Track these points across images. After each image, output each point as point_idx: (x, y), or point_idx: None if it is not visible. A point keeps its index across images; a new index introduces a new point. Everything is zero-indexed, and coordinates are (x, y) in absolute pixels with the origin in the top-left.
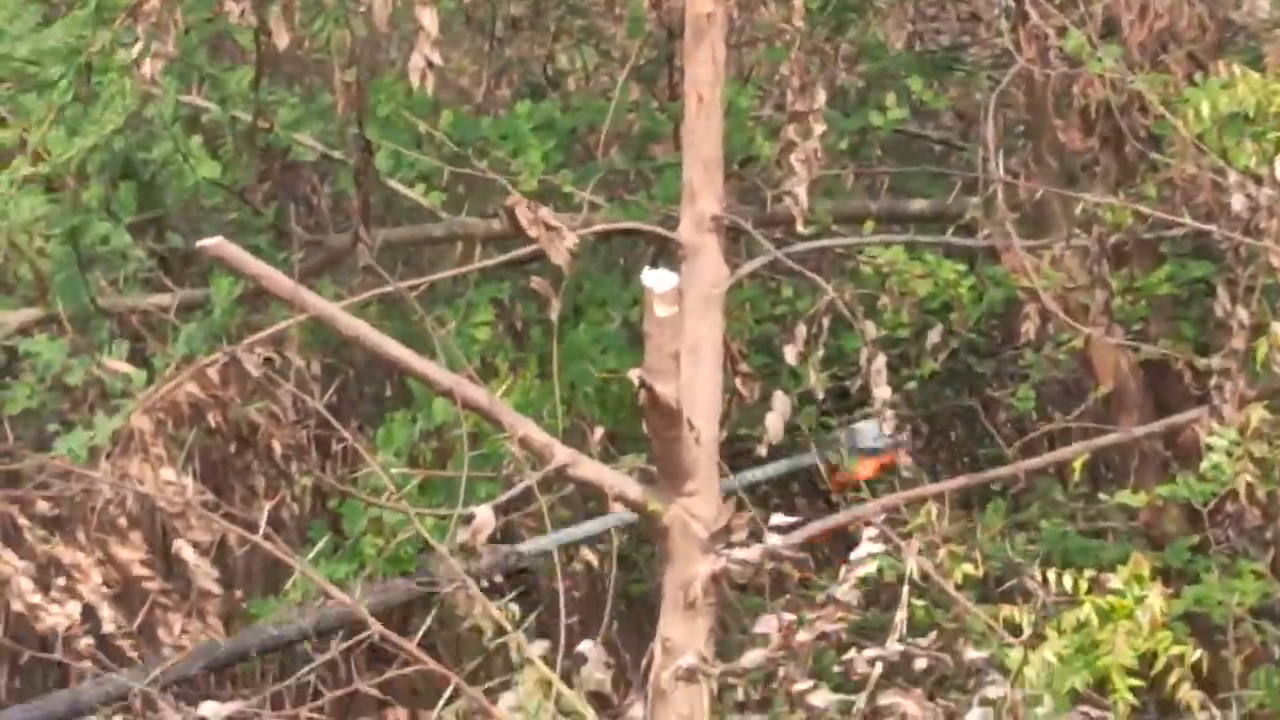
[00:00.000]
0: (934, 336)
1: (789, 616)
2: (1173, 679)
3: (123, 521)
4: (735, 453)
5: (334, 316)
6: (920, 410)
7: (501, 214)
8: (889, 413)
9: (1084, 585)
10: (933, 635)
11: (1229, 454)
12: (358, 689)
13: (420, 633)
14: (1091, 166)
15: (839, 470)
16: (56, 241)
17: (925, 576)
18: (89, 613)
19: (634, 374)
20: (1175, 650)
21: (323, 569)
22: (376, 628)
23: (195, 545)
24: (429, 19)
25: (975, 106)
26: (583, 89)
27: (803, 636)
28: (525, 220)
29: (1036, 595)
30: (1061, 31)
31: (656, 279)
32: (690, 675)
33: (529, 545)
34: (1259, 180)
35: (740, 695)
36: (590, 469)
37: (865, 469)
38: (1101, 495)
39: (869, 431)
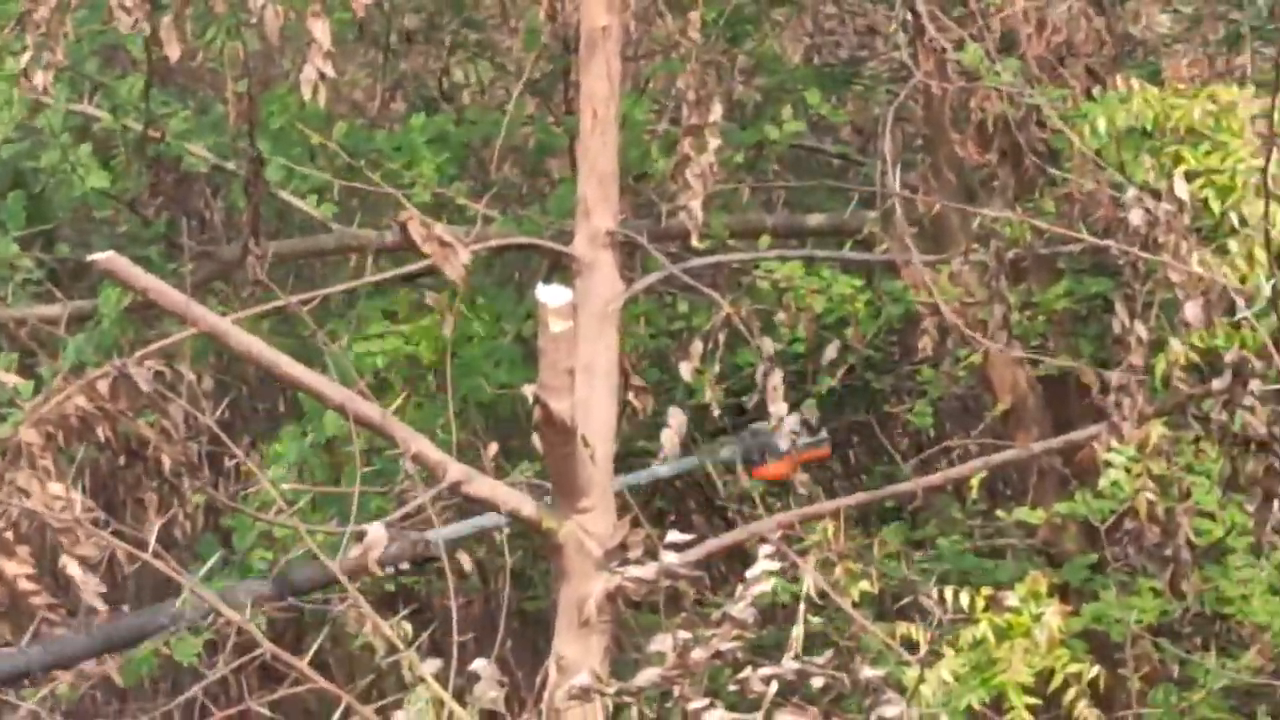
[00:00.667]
0: (830, 352)
1: (684, 635)
2: (1070, 696)
3: (9, 535)
4: (629, 468)
5: (225, 332)
6: (817, 427)
7: (395, 228)
8: (786, 427)
9: (981, 603)
10: (829, 653)
11: (1128, 471)
12: (249, 708)
13: (312, 651)
14: (989, 181)
15: (761, 465)
16: None
17: (822, 594)
18: None
19: (528, 390)
20: (1073, 668)
21: (214, 585)
22: (267, 646)
23: (83, 561)
24: (321, 31)
25: (873, 120)
26: (478, 102)
27: (698, 655)
28: (419, 236)
29: (933, 613)
30: (959, 45)
31: (550, 294)
32: (585, 694)
33: (435, 533)
34: (1157, 195)
35: (635, 714)
36: (484, 486)
37: (783, 467)
38: (999, 512)
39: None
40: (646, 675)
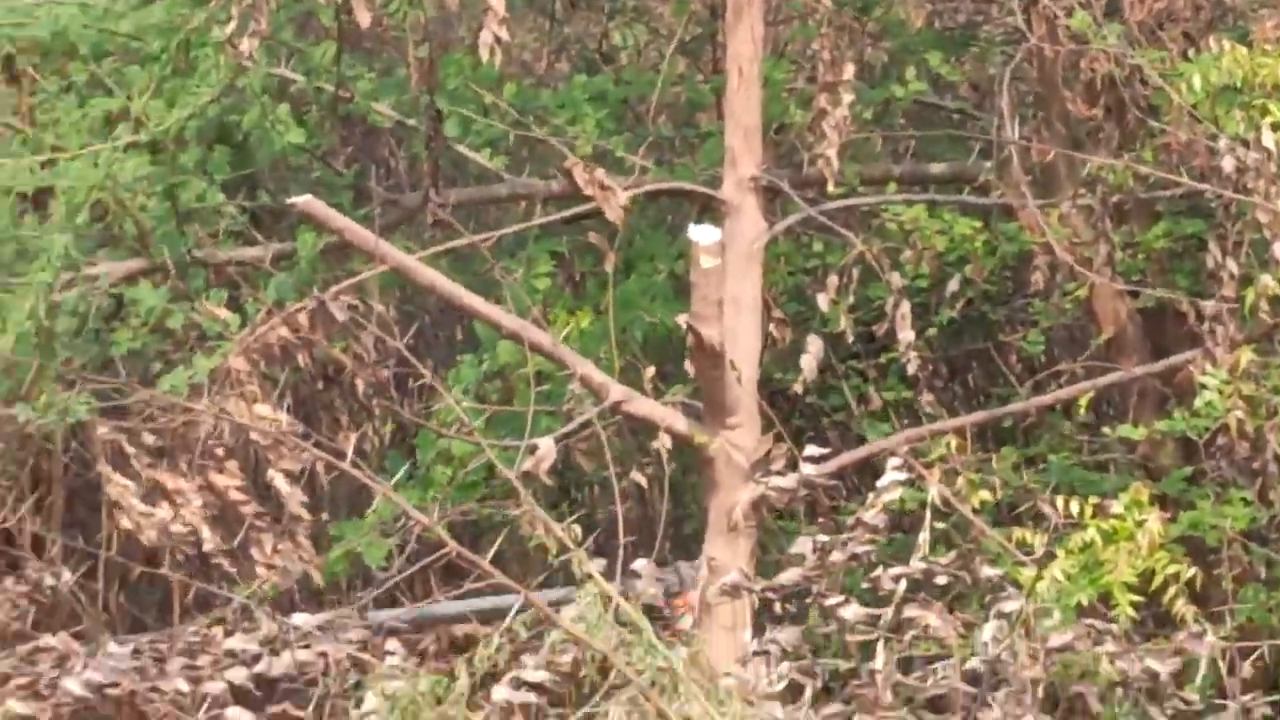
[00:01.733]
0: (952, 286)
1: (822, 538)
2: (1169, 595)
3: (220, 451)
4: (772, 392)
5: (411, 268)
6: (939, 354)
7: (560, 176)
8: (913, 353)
9: (1089, 511)
10: (952, 555)
11: (1220, 392)
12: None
13: (491, 552)
14: (1096, 133)
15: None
16: (157, 199)
17: (945, 502)
18: (192, 533)
19: (682, 320)
20: (1172, 569)
21: (400, 495)
22: (453, 545)
23: (287, 473)
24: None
25: (989, 79)
26: (634, 63)
27: (835, 556)
28: (582, 181)
29: (1046, 519)
30: (1069, 11)
31: (702, 234)
32: (733, 591)
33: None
34: (1247, 145)
35: (778, 609)
36: (643, 405)
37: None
38: (1104, 430)
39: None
40: (788, 575)
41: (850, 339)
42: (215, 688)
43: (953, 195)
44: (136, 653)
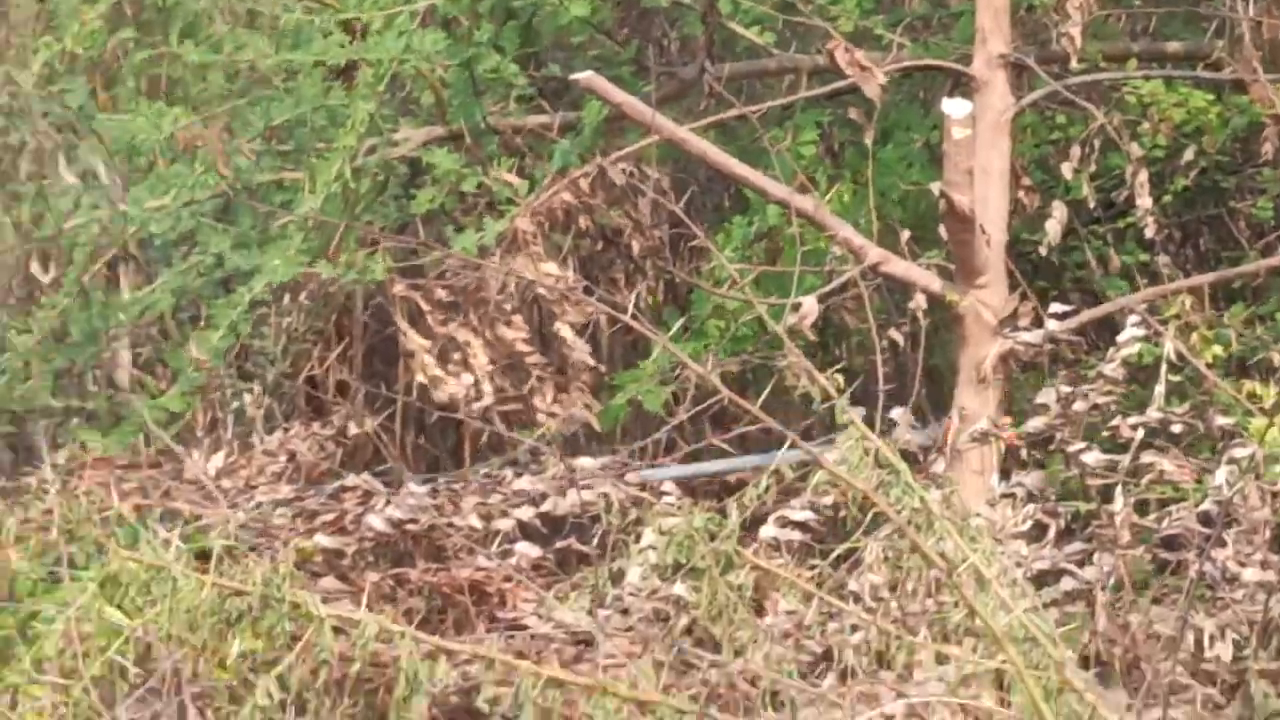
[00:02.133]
0: (1187, 156)
1: (1066, 389)
2: None
3: (508, 307)
4: (1019, 254)
5: (684, 138)
6: (1174, 219)
7: (824, 53)
8: (1150, 219)
9: None
10: (1186, 406)
11: None
12: (710, 442)
13: (760, 399)
14: None
15: None
16: (454, 71)
17: (1180, 356)
18: (478, 385)
19: (935, 186)
20: None
21: (676, 347)
22: (725, 393)
23: (572, 326)
24: None
25: None
26: None
27: (1077, 406)
28: (843, 61)
29: (1276, 371)
30: None
31: (954, 107)
32: (983, 437)
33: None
34: None
35: (1023, 455)
36: (899, 265)
37: None
38: None
39: None
40: (1034, 423)
41: (1091, 205)
42: (505, 524)
43: (1188, 71)
44: (433, 492)
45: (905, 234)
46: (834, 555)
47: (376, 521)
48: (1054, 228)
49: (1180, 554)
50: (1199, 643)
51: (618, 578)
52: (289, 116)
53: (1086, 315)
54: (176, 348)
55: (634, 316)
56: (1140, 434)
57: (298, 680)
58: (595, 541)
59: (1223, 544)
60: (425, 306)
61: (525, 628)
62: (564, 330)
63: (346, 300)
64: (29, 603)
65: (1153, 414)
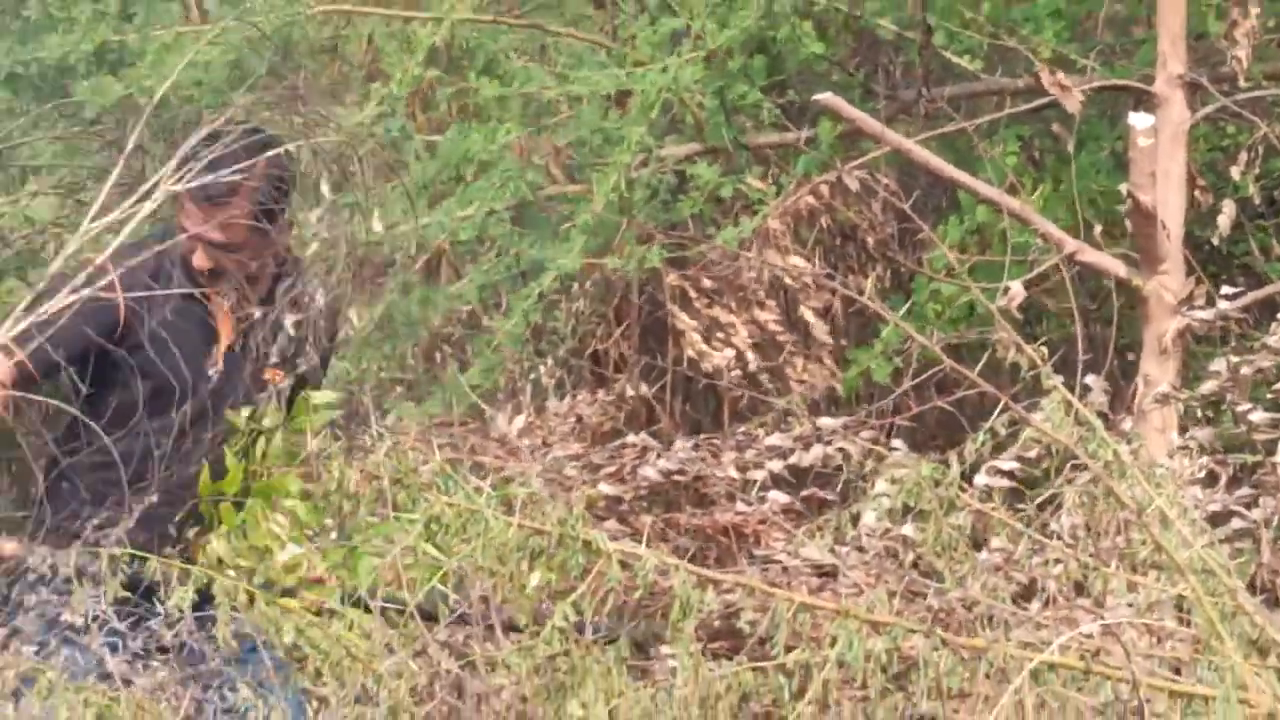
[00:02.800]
0: None
1: (1234, 358)
2: None
3: (761, 292)
4: (1194, 245)
5: (909, 148)
6: None
7: (1026, 75)
8: None
9: None
10: None
11: None
12: (934, 405)
13: (978, 368)
14: None
15: None
16: (710, 97)
17: None
18: (739, 357)
19: (1123, 188)
20: None
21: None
22: (948, 362)
23: (814, 309)
24: None
25: None
26: None
27: (1244, 371)
28: (1047, 82)
29: None
30: None
31: (1139, 120)
32: (1164, 399)
33: None
34: None
35: (1199, 414)
36: (1092, 255)
37: None
38: None
39: None
40: (1207, 386)
41: (1257, 202)
42: (759, 475)
43: None
44: (697, 447)
45: (1098, 228)
46: (1039, 500)
47: (650, 472)
48: (1224, 222)
49: None
50: None
51: (855, 520)
52: (572, 138)
53: (1252, 296)
54: (479, 333)
55: (869, 300)
56: None
57: (589, 606)
58: (836, 489)
59: None
60: (692, 293)
61: (778, 563)
62: (808, 313)
63: (625, 288)
64: (359, 540)
65: None
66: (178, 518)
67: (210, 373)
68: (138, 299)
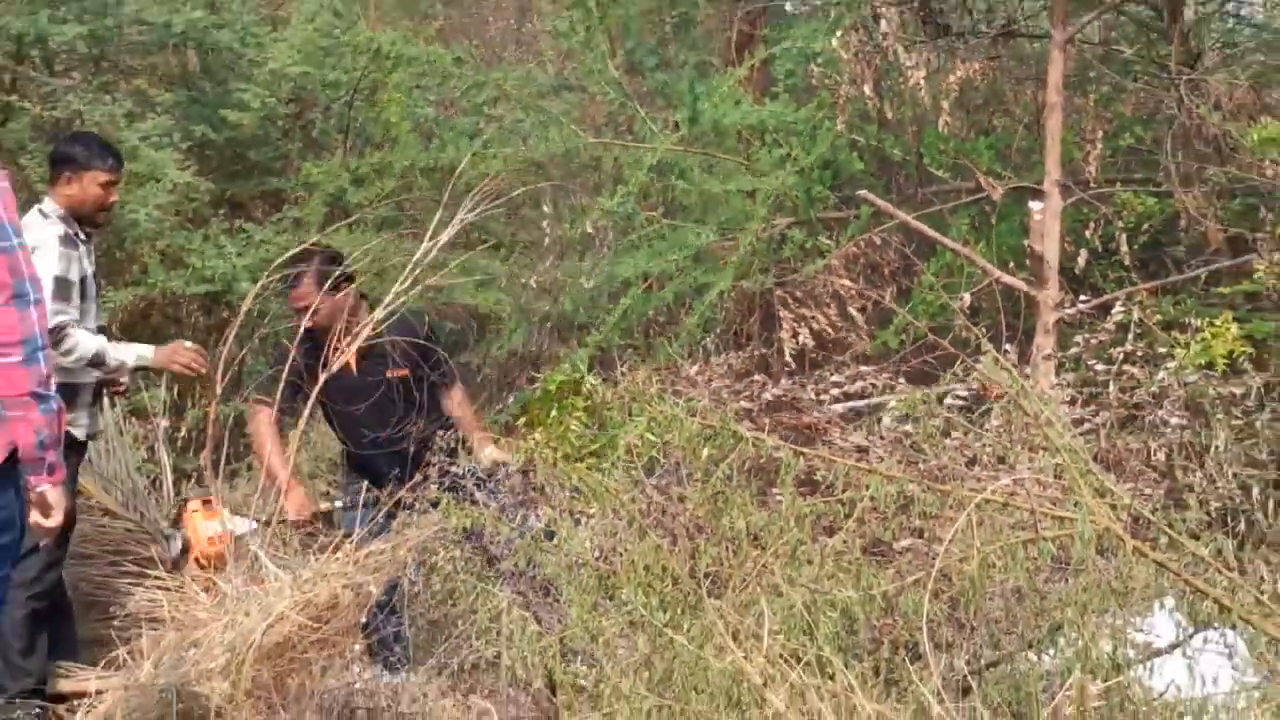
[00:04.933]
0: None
1: (1087, 335)
2: None
3: (827, 300)
4: (1065, 273)
5: (909, 221)
6: (1138, 255)
7: (973, 181)
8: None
9: None
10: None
11: None
12: (924, 360)
13: (948, 338)
14: None
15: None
16: (800, 192)
17: (1139, 322)
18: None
19: (1026, 243)
20: None
21: None
22: (932, 337)
23: (857, 308)
24: None
25: None
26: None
27: (1092, 343)
28: (983, 183)
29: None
30: None
31: (1034, 205)
32: (1048, 358)
33: None
34: None
35: (1067, 366)
36: (1009, 279)
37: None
38: None
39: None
40: (1072, 351)
41: (1099, 250)
42: (826, 398)
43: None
44: (792, 383)
45: (1012, 264)
46: (980, 411)
47: (767, 395)
48: (1080, 261)
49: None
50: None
51: (879, 422)
52: (726, 216)
53: (1096, 301)
54: (675, 323)
55: (889, 301)
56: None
57: (735, 468)
58: (869, 406)
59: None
60: (789, 300)
61: (837, 444)
62: (853, 311)
63: (754, 297)
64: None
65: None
66: (397, 454)
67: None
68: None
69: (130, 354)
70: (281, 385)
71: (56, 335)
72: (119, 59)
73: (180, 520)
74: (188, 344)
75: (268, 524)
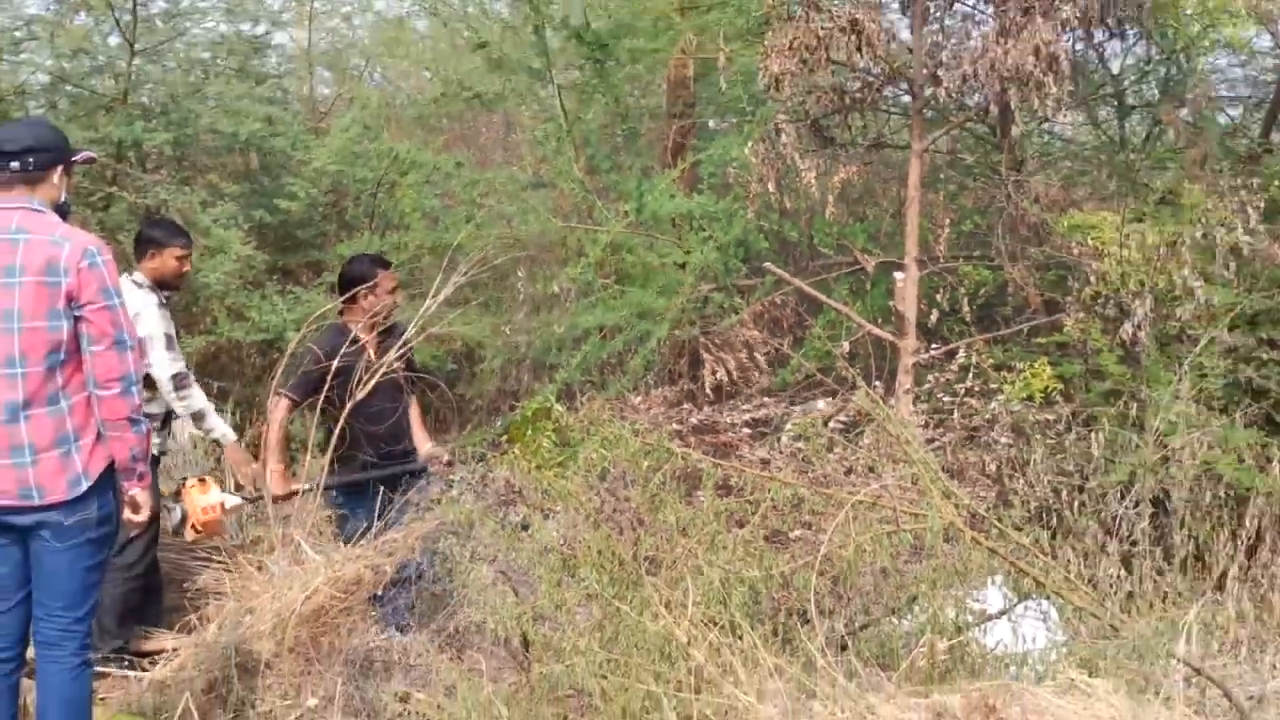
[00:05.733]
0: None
1: (937, 375)
2: None
3: (739, 347)
4: (921, 328)
5: (803, 287)
6: (976, 314)
7: (851, 256)
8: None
9: None
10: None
11: None
12: (814, 394)
13: (831, 377)
14: None
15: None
16: (720, 265)
17: (976, 364)
18: (728, 374)
19: (891, 304)
20: None
21: None
22: (818, 375)
23: (762, 354)
24: None
25: None
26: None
27: (942, 380)
28: (859, 258)
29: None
30: None
31: (897, 275)
32: (908, 392)
33: None
34: None
35: (922, 398)
36: (878, 331)
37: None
38: None
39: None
40: (925, 387)
41: (947, 310)
42: (738, 421)
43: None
44: (713, 410)
45: (880, 320)
46: (856, 432)
47: (693, 420)
48: (932, 318)
49: (980, 434)
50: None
51: (779, 439)
52: (662, 283)
53: (943, 349)
54: (623, 366)
55: (787, 350)
56: (962, 389)
57: (666, 475)
58: (771, 428)
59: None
60: (711, 346)
61: (746, 458)
62: (759, 356)
63: (685, 344)
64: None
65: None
66: (396, 435)
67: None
68: (333, 350)
69: (220, 429)
70: (304, 383)
71: (180, 383)
72: (196, 159)
73: (180, 495)
74: (256, 467)
75: (254, 500)
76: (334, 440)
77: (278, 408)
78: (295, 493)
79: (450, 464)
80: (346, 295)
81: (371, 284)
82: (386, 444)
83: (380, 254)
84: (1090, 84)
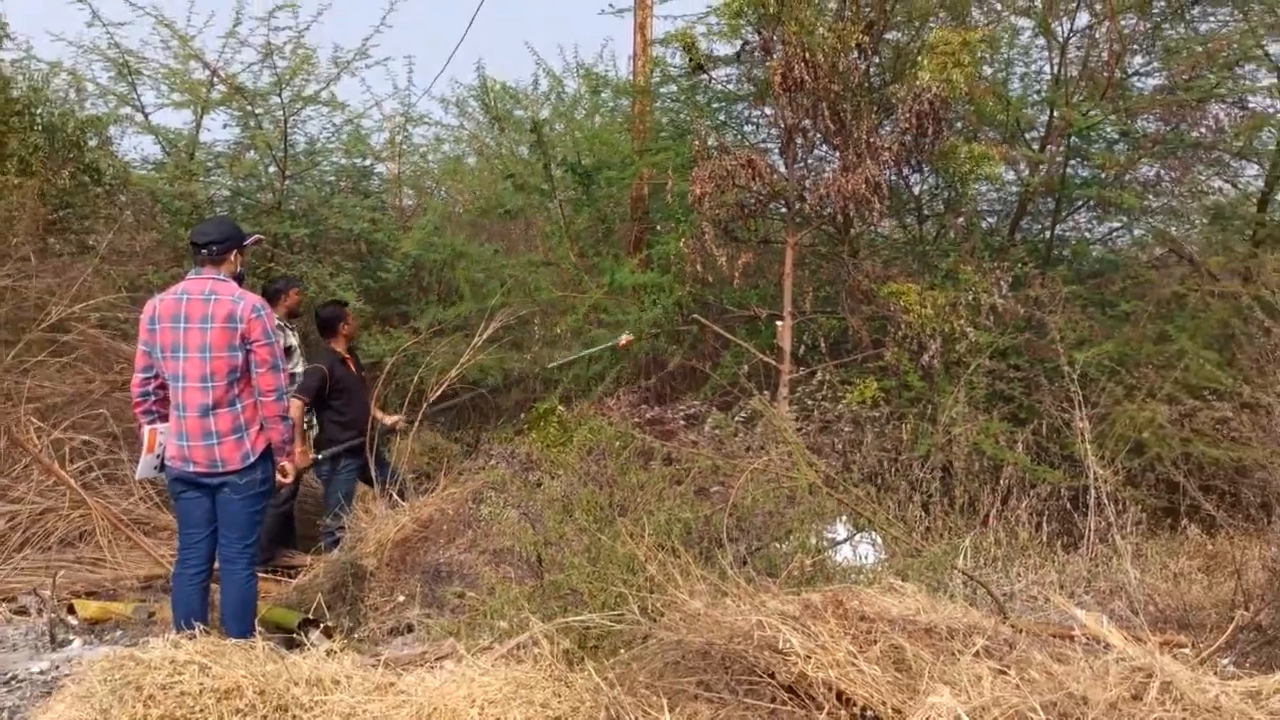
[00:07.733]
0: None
1: (806, 387)
2: None
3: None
4: (795, 357)
5: (720, 331)
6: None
7: (751, 312)
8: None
9: None
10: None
11: None
12: (724, 399)
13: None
14: None
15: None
16: (665, 321)
17: (834, 379)
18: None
19: (776, 341)
20: None
21: None
22: (732, 391)
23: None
24: None
25: None
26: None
27: (809, 390)
28: (756, 311)
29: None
30: None
31: (779, 323)
32: (786, 399)
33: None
34: None
35: (797, 404)
36: (766, 358)
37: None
38: None
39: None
40: (798, 394)
41: (813, 345)
42: (678, 415)
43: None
44: (660, 408)
45: (769, 352)
46: (751, 425)
47: (648, 414)
48: (802, 349)
49: (832, 426)
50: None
51: (703, 428)
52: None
53: (807, 371)
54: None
55: (711, 372)
56: (820, 396)
57: (629, 453)
58: (698, 420)
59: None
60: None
61: (682, 440)
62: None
63: (641, 367)
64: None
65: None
66: (363, 416)
67: (352, 372)
68: (332, 366)
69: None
70: (310, 388)
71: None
72: (326, 246)
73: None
74: (299, 459)
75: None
76: (326, 425)
77: (295, 406)
78: (313, 461)
79: (397, 424)
80: (328, 330)
81: (343, 319)
82: (360, 421)
83: (337, 300)
84: (900, 202)
